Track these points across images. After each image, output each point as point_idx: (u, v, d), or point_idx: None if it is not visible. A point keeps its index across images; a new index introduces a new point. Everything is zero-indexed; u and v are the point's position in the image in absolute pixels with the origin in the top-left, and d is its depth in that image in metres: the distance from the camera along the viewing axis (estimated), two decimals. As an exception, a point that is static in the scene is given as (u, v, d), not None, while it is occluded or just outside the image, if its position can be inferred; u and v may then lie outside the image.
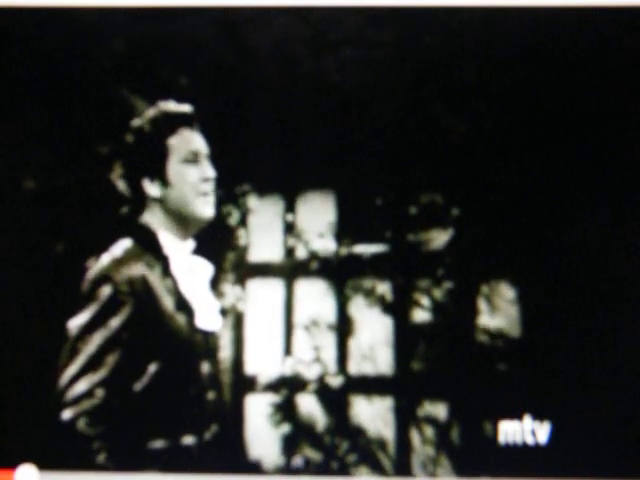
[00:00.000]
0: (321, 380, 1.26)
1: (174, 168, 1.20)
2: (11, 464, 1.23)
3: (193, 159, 1.21)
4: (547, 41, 1.25)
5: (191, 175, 1.20)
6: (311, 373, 1.26)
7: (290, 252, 1.27)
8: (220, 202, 1.25)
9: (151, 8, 1.24)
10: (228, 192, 1.26)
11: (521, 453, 1.22)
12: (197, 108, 1.23)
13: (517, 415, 1.23)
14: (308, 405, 1.26)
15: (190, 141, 1.21)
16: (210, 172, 1.21)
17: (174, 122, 1.20)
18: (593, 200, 1.25)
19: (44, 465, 1.22)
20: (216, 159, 1.23)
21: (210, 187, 1.21)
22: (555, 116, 1.25)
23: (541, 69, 1.25)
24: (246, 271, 1.27)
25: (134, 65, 1.25)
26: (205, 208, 1.21)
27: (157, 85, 1.25)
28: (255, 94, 1.26)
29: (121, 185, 1.23)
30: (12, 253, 1.25)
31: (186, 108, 1.22)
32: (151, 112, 1.21)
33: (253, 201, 1.27)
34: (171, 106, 1.22)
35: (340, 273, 1.27)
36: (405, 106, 1.26)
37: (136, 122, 1.21)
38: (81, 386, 1.14)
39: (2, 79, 1.25)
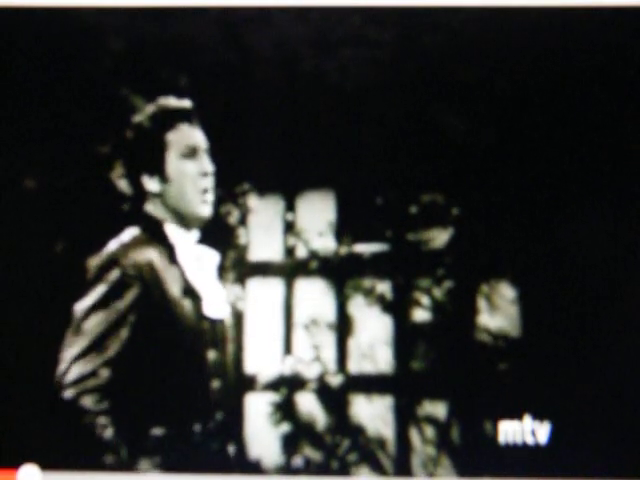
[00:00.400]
0: (321, 379, 1.26)
1: (173, 163, 1.21)
2: (14, 464, 1.23)
3: (192, 154, 1.21)
4: (547, 41, 1.25)
5: (190, 170, 1.21)
6: (311, 372, 1.26)
7: (290, 251, 1.27)
8: (220, 201, 1.26)
9: (151, 8, 1.25)
10: (228, 191, 1.26)
11: (521, 453, 1.22)
12: (197, 108, 1.24)
13: (517, 415, 1.23)
14: (308, 404, 1.26)
15: (189, 136, 1.22)
16: (209, 167, 1.22)
17: (173, 117, 1.21)
18: (594, 200, 1.24)
19: (47, 465, 1.23)
20: (216, 158, 1.24)
21: (209, 182, 1.22)
22: (556, 115, 1.25)
23: (542, 68, 1.25)
24: (246, 270, 1.27)
25: (134, 65, 1.25)
26: (203, 207, 1.21)
27: (157, 85, 1.25)
28: (255, 94, 1.26)
29: (121, 184, 1.23)
30: (13, 253, 1.25)
31: (185, 103, 1.23)
32: (150, 108, 1.22)
33: (253, 200, 1.27)
34: (170, 102, 1.23)
35: (340, 272, 1.27)
36: (405, 105, 1.26)
37: (136, 118, 1.22)
38: (85, 366, 1.15)
39: (2, 79, 1.25)
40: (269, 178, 1.27)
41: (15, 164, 1.25)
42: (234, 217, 1.27)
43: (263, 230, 1.27)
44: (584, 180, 1.25)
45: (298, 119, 1.26)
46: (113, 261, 1.17)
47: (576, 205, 1.24)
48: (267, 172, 1.27)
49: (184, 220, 1.21)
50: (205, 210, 1.21)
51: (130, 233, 1.21)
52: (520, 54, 1.25)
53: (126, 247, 1.19)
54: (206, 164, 1.22)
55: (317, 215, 1.27)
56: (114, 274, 1.16)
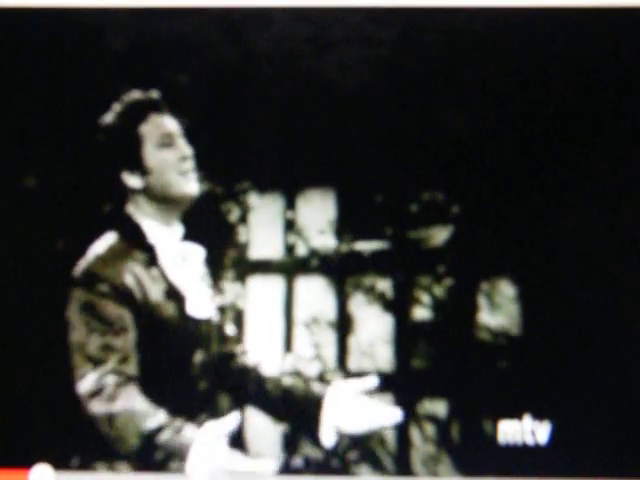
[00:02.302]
0: (321, 377, 1.26)
1: (150, 154, 1.21)
2: (26, 464, 1.24)
3: (168, 142, 1.21)
4: (548, 40, 1.24)
5: (168, 157, 1.21)
6: (311, 370, 1.26)
7: (290, 249, 1.28)
8: (220, 199, 1.26)
9: (151, 8, 1.26)
10: (228, 189, 1.27)
11: (521, 453, 1.21)
12: (197, 108, 1.25)
13: (517, 415, 1.22)
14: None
15: (161, 125, 1.22)
16: (187, 150, 1.22)
17: (142, 109, 1.21)
18: (595, 198, 1.23)
19: (59, 464, 1.24)
20: (217, 157, 1.25)
21: (190, 165, 1.22)
22: (557, 114, 1.24)
23: (542, 68, 1.24)
24: (246, 268, 1.27)
25: (134, 65, 1.26)
26: (188, 185, 1.21)
27: (157, 84, 1.26)
28: (256, 93, 1.27)
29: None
30: (12, 252, 1.27)
31: (152, 94, 1.23)
32: (117, 106, 1.23)
33: (253, 198, 1.28)
34: (136, 95, 1.23)
35: (340, 270, 1.27)
36: (406, 104, 1.26)
37: (106, 119, 1.22)
38: (91, 379, 1.16)
39: (2, 79, 1.27)
40: (269, 176, 1.27)
41: (15, 163, 1.27)
42: (234, 215, 1.28)
43: (263, 228, 1.28)
44: (585, 178, 1.23)
45: (298, 118, 1.27)
46: (90, 273, 1.18)
47: (577, 203, 1.23)
48: (267, 170, 1.27)
49: (172, 206, 1.21)
50: (191, 187, 1.21)
51: (106, 240, 1.21)
52: (520, 54, 1.24)
53: (102, 257, 1.19)
54: (184, 148, 1.22)
55: (317, 213, 1.27)
56: (94, 287, 1.17)
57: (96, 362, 1.16)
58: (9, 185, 1.27)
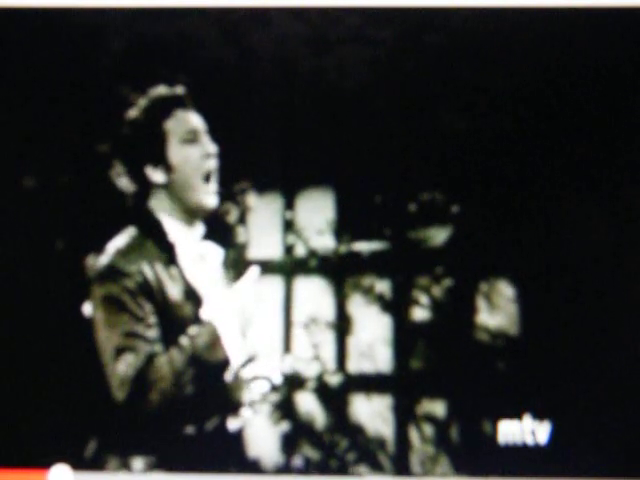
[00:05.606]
0: (320, 378, 1.25)
1: (175, 150, 1.21)
2: (44, 464, 1.23)
3: (192, 138, 1.22)
4: (548, 41, 1.25)
5: (192, 154, 1.21)
6: (310, 371, 1.25)
7: (289, 250, 1.27)
8: (219, 199, 1.26)
9: (151, 8, 1.26)
10: (227, 190, 1.27)
11: (521, 453, 1.21)
12: (195, 108, 1.24)
13: (517, 415, 1.22)
14: (307, 403, 1.25)
15: (186, 121, 1.22)
16: (211, 148, 1.22)
17: (168, 105, 1.21)
18: (594, 198, 1.23)
19: (78, 465, 1.23)
20: (216, 157, 1.25)
21: (213, 164, 1.22)
22: (556, 115, 1.24)
23: (541, 68, 1.25)
24: (245, 269, 1.27)
25: (134, 65, 1.26)
26: (208, 197, 1.21)
27: (157, 84, 1.25)
28: (254, 93, 1.27)
29: (122, 182, 1.24)
30: (12, 252, 1.26)
31: (178, 90, 1.23)
32: (143, 101, 1.22)
33: (252, 199, 1.27)
34: (162, 90, 1.23)
35: (339, 271, 1.27)
36: (404, 104, 1.26)
37: (131, 114, 1.22)
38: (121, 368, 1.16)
39: (1, 78, 1.26)
40: (268, 176, 1.27)
41: (14, 162, 1.27)
42: (233, 216, 1.27)
43: (262, 228, 1.27)
44: (584, 179, 1.24)
45: (297, 118, 1.27)
46: (110, 268, 1.18)
47: (576, 203, 1.23)
48: (266, 170, 1.27)
49: (189, 212, 1.21)
50: (210, 200, 1.22)
51: (127, 235, 1.21)
52: (520, 54, 1.25)
53: (123, 252, 1.19)
54: (208, 146, 1.22)
55: (316, 213, 1.27)
56: (112, 281, 1.17)
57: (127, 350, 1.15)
58: (8, 184, 1.26)
